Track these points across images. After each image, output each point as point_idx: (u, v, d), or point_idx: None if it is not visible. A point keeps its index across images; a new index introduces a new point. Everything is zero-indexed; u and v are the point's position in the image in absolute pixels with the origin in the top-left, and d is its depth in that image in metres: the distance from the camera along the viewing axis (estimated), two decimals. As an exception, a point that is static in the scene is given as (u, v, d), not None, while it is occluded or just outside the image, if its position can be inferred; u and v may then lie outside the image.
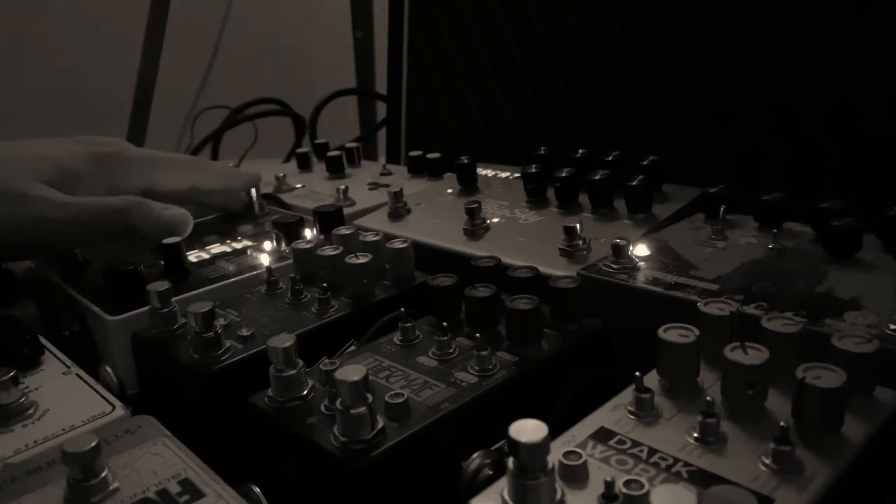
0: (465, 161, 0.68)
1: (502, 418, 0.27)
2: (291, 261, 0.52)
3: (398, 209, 0.64)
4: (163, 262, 0.53)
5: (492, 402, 0.35)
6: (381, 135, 1.16)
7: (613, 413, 0.31)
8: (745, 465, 0.27)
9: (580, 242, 0.50)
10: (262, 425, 0.35)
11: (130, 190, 0.57)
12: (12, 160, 0.53)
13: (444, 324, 0.39)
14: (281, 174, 0.78)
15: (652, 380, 0.33)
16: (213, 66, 1.68)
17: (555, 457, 0.26)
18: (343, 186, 0.71)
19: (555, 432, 0.27)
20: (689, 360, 0.33)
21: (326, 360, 0.37)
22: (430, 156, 0.78)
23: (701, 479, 0.27)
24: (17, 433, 0.35)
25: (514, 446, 0.25)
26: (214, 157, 1.11)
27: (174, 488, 0.29)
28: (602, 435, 0.30)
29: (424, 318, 0.42)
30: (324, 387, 0.35)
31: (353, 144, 0.88)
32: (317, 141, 0.95)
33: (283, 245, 0.56)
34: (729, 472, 0.27)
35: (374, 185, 0.76)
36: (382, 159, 1.10)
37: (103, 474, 0.29)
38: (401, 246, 0.48)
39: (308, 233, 0.57)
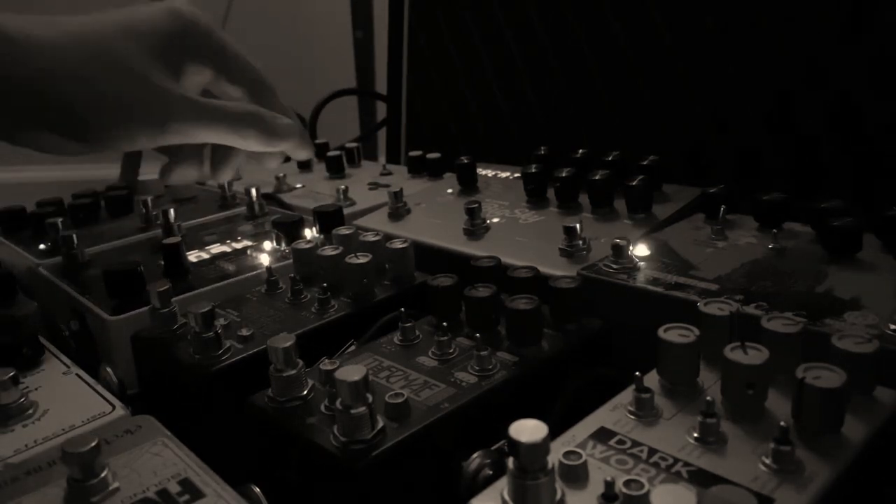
0: (465, 161, 0.68)
1: (502, 418, 0.27)
2: (291, 261, 0.52)
3: (398, 209, 0.64)
4: (163, 262, 0.53)
5: (492, 402, 0.35)
6: (381, 135, 1.16)
7: (613, 413, 0.31)
8: (745, 465, 0.27)
9: (580, 242, 0.50)
10: (262, 425, 0.35)
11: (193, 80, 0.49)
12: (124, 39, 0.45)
13: (444, 324, 0.39)
14: (281, 174, 0.78)
15: (652, 380, 0.33)
16: (212, 66, 1.69)
17: (555, 457, 0.26)
18: (343, 186, 0.71)
19: (555, 432, 0.27)
20: (689, 360, 0.33)
21: (326, 360, 0.37)
22: (430, 156, 0.78)
23: (701, 479, 0.27)
24: (17, 433, 0.35)
25: (514, 446, 0.25)
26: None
27: (174, 488, 0.29)
28: (602, 435, 0.30)
29: (424, 318, 0.42)
30: (324, 387, 0.35)
31: (353, 144, 0.88)
32: (317, 141, 0.95)
33: (283, 245, 0.56)
34: (729, 472, 0.27)
35: (374, 185, 0.76)
36: (382, 159, 1.10)
37: (103, 474, 0.29)
38: (401, 246, 0.48)
39: (308, 233, 0.57)
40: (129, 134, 0.45)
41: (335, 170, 0.81)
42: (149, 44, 0.46)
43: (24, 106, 0.42)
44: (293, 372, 0.35)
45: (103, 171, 0.64)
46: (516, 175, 0.68)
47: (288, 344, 0.35)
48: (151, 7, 0.48)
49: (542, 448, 0.25)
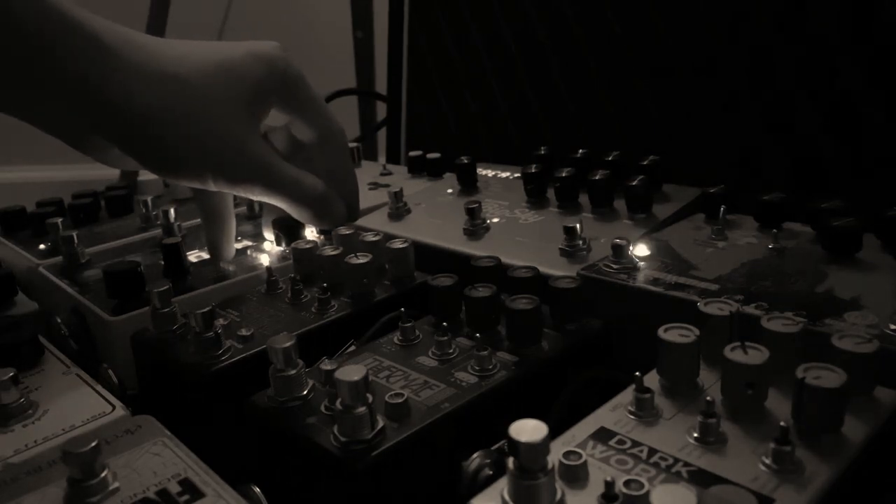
0: (465, 161, 0.68)
1: (502, 418, 0.27)
2: (291, 261, 0.52)
3: (398, 209, 0.64)
4: (163, 262, 0.53)
5: (492, 402, 0.35)
6: (382, 135, 1.16)
7: (613, 413, 0.31)
8: (745, 465, 0.27)
9: (580, 242, 0.50)
10: (262, 425, 0.35)
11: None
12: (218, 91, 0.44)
13: (444, 324, 0.39)
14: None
15: (652, 380, 0.33)
16: (213, 66, 1.69)
17: (555, 457, 0.26)
18: (343, 186, 0.71)
19: (555, 432, 0.27)
20: (689, 360, 0.33)
21: (326, 360, 0.37)
22: (430, 156, 0.78)
23: (701, 479, 0.27)
24: (17, 433, 0.35)
25: (514, 446, 0.25)
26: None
27: (174, 488, 0.29)
28: (602, 435, 0.30)
29: (424, 318, 0.42)
30: (324, 387, 0.35)
31: (353, 144, 0.87)
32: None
33: (283, 245, 0.56)
34: (729, 472, 0.27)
35: (374, 185, 0.76)
36: (382, 159, 1.10)
37: (103, 474, 0.29)
38: (401, 246, 0.48)
39: (308, 233, 0.57)
40: (201, 177, 0.44)
41: (335, 170, 0.81)
42: (242, 92, 0.44)
43: (110, 121, 0.41)
44: (293, 372, 0.35)
45: (103, 171, 0.64)
46: (516, 175, 0.68)
47: (288, 344, 0.35)
48: (247, 49, 0.46)
49: (542, 448, 0.25)
